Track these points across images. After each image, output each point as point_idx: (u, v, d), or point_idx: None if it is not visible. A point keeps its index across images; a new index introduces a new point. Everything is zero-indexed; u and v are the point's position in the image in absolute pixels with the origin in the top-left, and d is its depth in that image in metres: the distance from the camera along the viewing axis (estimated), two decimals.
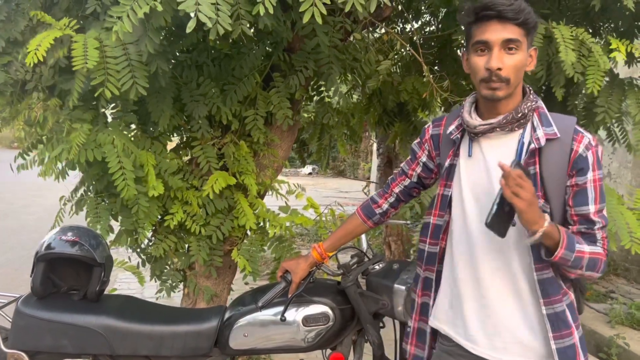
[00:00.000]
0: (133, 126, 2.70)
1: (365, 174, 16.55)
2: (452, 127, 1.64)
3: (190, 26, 1.62)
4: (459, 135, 1.62)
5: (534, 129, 1.50)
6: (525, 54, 1.47)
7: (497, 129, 1.51)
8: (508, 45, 1.44)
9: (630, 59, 2.81)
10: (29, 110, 2.47)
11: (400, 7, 3.28)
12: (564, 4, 2.98)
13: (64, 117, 2.36)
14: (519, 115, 1.49)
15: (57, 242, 2.05)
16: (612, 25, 2.88)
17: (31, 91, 2.48)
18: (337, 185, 16.41)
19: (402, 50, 3.64)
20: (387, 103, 3.86)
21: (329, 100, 3.42)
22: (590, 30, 2.84)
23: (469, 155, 1.58)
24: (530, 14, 1.44)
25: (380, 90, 3.81)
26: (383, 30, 3.23)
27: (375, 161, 7.42)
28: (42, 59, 1.89)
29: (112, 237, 2.78)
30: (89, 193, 2.83)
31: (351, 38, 2.88)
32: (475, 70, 1.49)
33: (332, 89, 2.96)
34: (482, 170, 1.54)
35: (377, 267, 2.16)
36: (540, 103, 1.54)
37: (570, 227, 1.51)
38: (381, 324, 2.17)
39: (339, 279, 2.17)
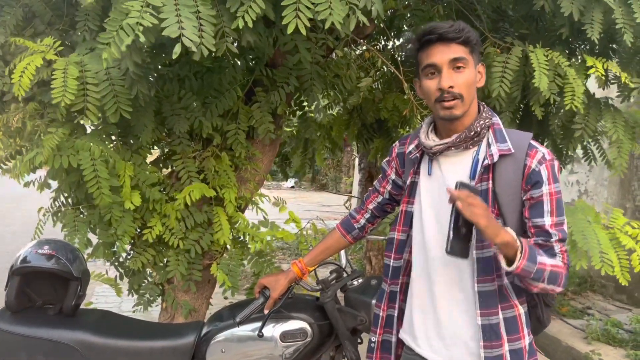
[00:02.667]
0: (113, 137, 2.68)
1: (348, 189, 16.59)
2: (411, 147, 1.70)
3: (176, 52, 1.64)
4: (417, 155, 1.68)
5: (488, 145, 1.54)
6: (474, 70, 1.53)
7: (452, 148, 1.56)
8: (456, 64, 1.50)
9: (605, 81, 2.87)
10: (7, 120, 2.44)
11: (382, 25, 3.33)
12: (542, 25, 3.05)
13: (41, 122, 2.34)
14: (472, 133, 1.54)
15: (33, 256, 2.02)
16: (587, 47, 2.95)
17: (9, 103, 2.46)
18: (319, 199, 16.41)
19: (384, 67, 3.69)
20: (367, 119, 3.90)
21: (312, 115, 3.44)
22: (567, 51, 2.90)
23: (429, 174, 1.63)
24: (470, 32, 1.50)
25: (361, 106, 3.85)
26: (364, 48, 3.27)
27: (357, 176, 7.46)
28: (27, 89, 1.93)
29: (89, 250, 2.75)
30: (67, 205, 2.79)
31: (333, 55, 2.91)
32: (429, 93, 1.54)
33: (314, 104, 2.99)
34: (441, 188, 1.58)
35: (355, 282, 2.18)
36: (496, 119, 1.59)
37: (528, 239, 1.53)
38: (359, 340, 2.17)
39: (317, 294, 2.17)
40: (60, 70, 1.96)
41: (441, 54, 1.50)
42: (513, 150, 1.51)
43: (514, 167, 1.51)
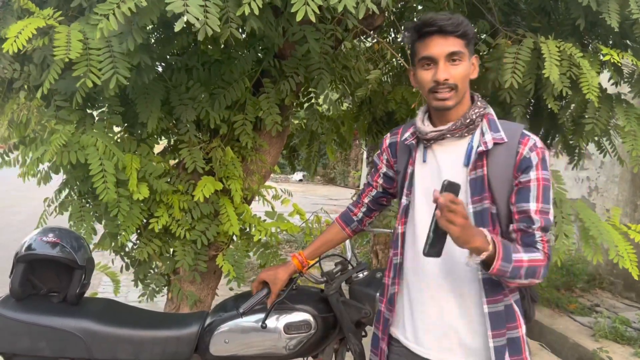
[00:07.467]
0: (119, 128, 2.67)
1: (355, 182, 16.59)
2: (407, 134, 1.71)
3: (178, 26, 1.61)
4: (413, 142, 1.68)
5: (482, 133, 1.56)
6: (468, 63, 1.56)
7: (448, 135, 1.58)
8: (452, 57, 1.52)
9: (619, 74, 2.82)
10: (14, 109, 2.44)
11: (391, 17, 3.29)
12: (554, 18, 3.00)
13: (47, 117, 2.32)
14: (467, 121, 1.56)
15: (38, 243, 2.02)
16: (600, 41, 2.90)
17: (18, 90, 2.45)
18: (326, 192, 16.40)
19: (393, 60, 3.65)
20: (376, 112, 3.86)
21: (319, 107, 3.41)
22: (579, 46, 2.86)
23: (424, 161, 1.65)
24: (467, 25, 1.53)
25: (370, 99, 3.82)
26: (374, 40, 3.24)
27: (365, 169, 7.44)
28: (21, 47, 1.84)
29: (95, 239, 2.75)
30: (73, 195, 2.80)
31: (342, 46, 2.88)
32: (423, 84, 1.57)
33: (322, 96, 2.96)
34: (435, 176, 1.59)
35: (360, 275, 2.16)
36: (489, 110, 1.61)
37: (511, 225, 1.53)
38: (363, 333, 2.16)
39: (322, 286, 2.16)
40: (63, 33, 1.92)
41: (439, 47, 1.52)
42: (506, 140, 1.53)
43: (507, 155, 1.53)
